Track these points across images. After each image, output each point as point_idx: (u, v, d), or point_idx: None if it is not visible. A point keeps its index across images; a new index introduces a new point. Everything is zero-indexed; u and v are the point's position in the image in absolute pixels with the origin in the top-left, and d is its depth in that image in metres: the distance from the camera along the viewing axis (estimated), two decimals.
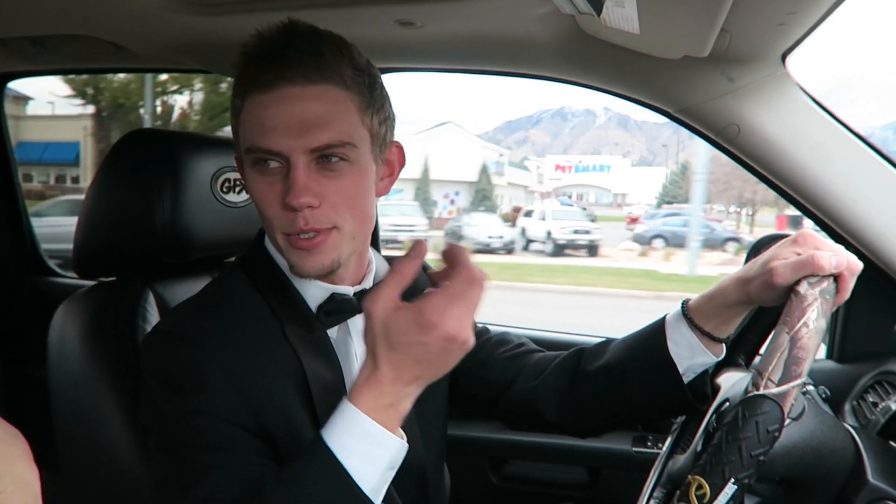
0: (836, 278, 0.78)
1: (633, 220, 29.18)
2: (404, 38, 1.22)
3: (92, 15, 1.25)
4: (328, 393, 0.85)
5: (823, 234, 1.26)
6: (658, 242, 20.13)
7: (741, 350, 1.04)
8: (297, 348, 0.85)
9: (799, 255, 0.79)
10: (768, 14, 0.91)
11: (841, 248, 0.80)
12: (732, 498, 0.65)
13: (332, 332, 0.91)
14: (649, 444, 1.60)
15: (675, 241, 19.49)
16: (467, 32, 1.21)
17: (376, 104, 0.86)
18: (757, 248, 1.28)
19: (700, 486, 0.66)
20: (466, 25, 1.17)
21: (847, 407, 1.26)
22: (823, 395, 1.01)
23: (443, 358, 0.72)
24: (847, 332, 1.41)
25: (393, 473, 0.77)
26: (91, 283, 1.18)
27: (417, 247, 0.74)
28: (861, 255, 1.19)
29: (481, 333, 1.13)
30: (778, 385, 0.68)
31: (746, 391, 0.69)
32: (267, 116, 0.79)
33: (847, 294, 0.79)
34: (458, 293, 0.70)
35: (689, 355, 0.92)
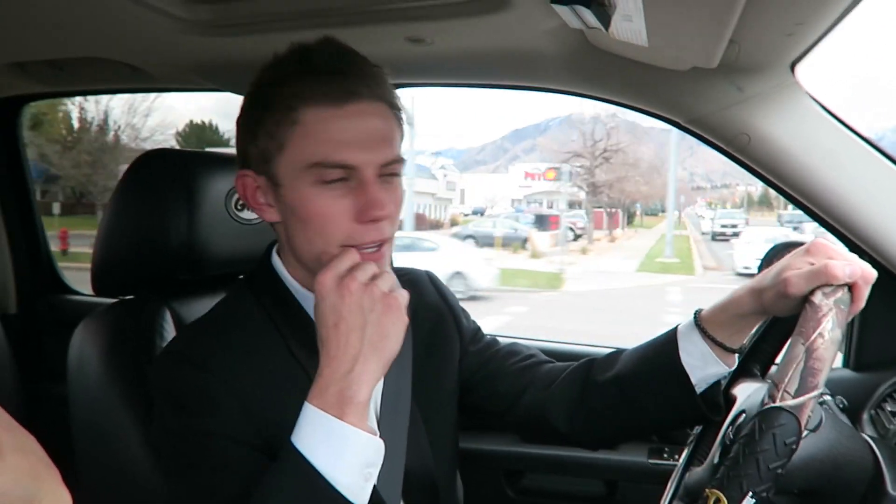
0: (851, 288, 0.77)
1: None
2: (414, 54, 1.23)
3: (109, 38, 1.27)
4: None
5: (837, 242, 1.26)
6: (469, 242, 21.88)
7: (756, 360, 1.03)
8: (305, 366, 0.86)
9: (812, 264, 0.79)
10: (777, 24, 0.91)
11: (855, 257, 0.79)
12: None
13: None
14: (665, 455, 1.59)
15: (485, 241, 22.98)
16: (476, 48, 1.22)
17: (401, 123, 0.89)
18: (770, 257, 1.28)
19: (718, 500, 0.66)
20: (475, 41, 1.18)
21: (865, 416, 1.24)
22: (841, 406, 1.00)
23: (356, 313, 0.76)
24: (863, 341, 1.39)
25: (374, 473, 0.76)
26: (108, 300, 1.19)
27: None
28: (875, 263, 1.19)
29: (491, 344, 1.13)
30: (794, 397, 0.67)
31: (763, 403, 0.69)
32: (339, 130, 0.81)
33: (862, 303, 0.78)
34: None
35: (702, 365, 0.92)
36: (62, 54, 1.40)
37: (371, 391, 0.77)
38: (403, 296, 0.80)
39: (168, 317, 1.12)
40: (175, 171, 1.13)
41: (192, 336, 0.90)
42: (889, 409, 1.18)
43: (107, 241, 1.14)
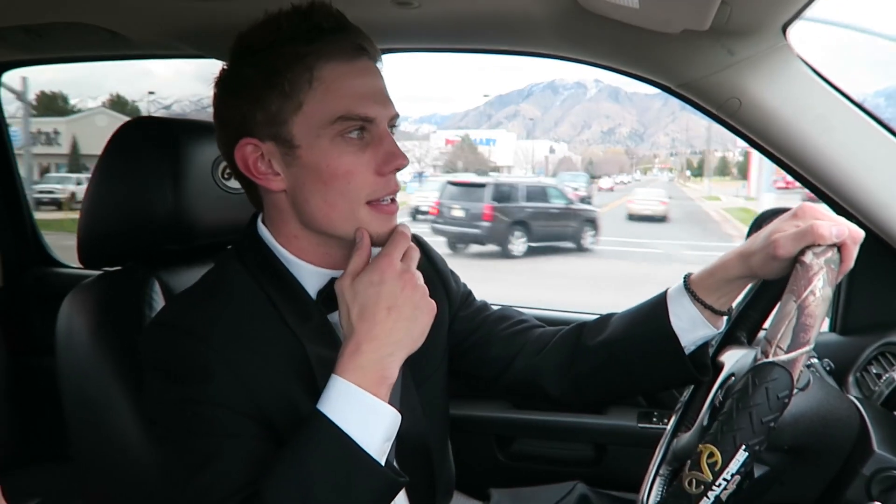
0: (840, 248, 0.78)
1: None
2: (401, 18, 1.21)
3: (87, 2, 1.24)
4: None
5: (826, 206, 1.26)
6: None
7: (743, 327, 1.04)
8: (298, 334, 0.86)
9: (799, 226, 0.80)
10: None
11: (841, 218, 0.80)
12: (744, 465, 0.66)
13: (333, 317, 0.91)
14: (654, 420, 1.62)
15: None
16: (464, 11, 1.20)
17: None
18: (758, 223, 1.28)
19: (711, 454, 0.67)
20: (463, 4, 1.16)
21: (851, 379, 1.26)
22: (828, 368, 1.02)
23: (408, 303, 0.80)
24: (850, 305, 1.41)
25: (389, 446, 0.79)
26: (94, 272, 1.18)
27: (359, 233, 0.85)
28: (863, 227, 1.20)
29: (482, 309, 1.14)
30: (787, 352, 0.68)
31: (756, 359, 0.70)
32: (356, 85, 0.83)
33: (851, 263, 0.79)
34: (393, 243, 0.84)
35: (691, 328, 0.94)
36: (39, 20, 1.36)
37: (396, 373, 0.81)
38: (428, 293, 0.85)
39: (157, 287, 1.11)
40: (160, 138, 1.11)
41: (182, 305, 0.89)
42: (874, 371, 1.20)
43: (92, 211, 1.12)
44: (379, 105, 0.85)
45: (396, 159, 0.84)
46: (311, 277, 0.90)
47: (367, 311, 0.80)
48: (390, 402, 0.80)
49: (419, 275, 0.84)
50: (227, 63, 0.87)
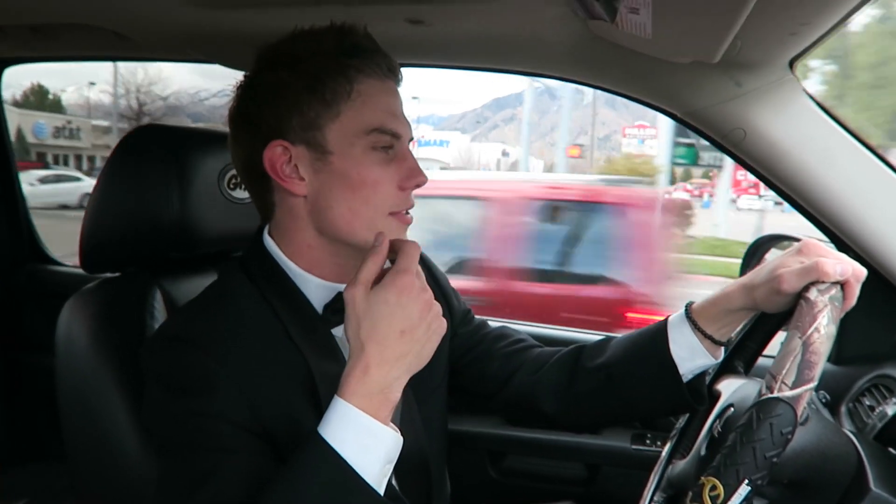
0: (843, 285, 0.79)
1: None
2: (413, 35, 1.22)
3: (94, 4, 1.23)
4: (335, 390, 0.86)
5: (826, 239, 1.27)
6: None
7: (740, 357, 1.04)
8: (302, 348, 0.86)
9: (803, 263, 0.81)
10: (782, 24, 0.91)
11: (844, 256, 0.82)
12: (745, 498, 0.66)
13: (338, 331, 0.91)
14: (648, 442, 1.62)
15: None
16: (476, 32, 1.20)
17: None
18: (754, 249, 1.30)
19: (714, 487, 0.67)
20: (475, 25, 1.17)
21: (843, 409, 1.27)
22: (823, 400, 1.03)
23: (423, 325, 0.78)
24: (844, 336, 1.42)
25: (390, 468, 0.78)
26: (88, 272, 1.17)
27: (380, 237, 0.81)
28: (860, 261, 1.21)
29: (480, 327, 1.15)
30: (791, 388, 0.69)
31: (760, 394, 0.70)
32: (391, 103, 0.88)
33: (853, 300, 0.81)
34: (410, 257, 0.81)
35: (690, 357, 0.94)
36: (45, 20, 1.36)
37: (399, 395, 0.79)
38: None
39: (158, 295, 1.11)
40: (168, 147, 1.10)
41: (186, 317, 0.89)
42: (867, 403, 1.21)
43: (96, 216, 1.11)
44: (404, 124, 0.89)
45: (418, 176, 0.88)
46: (316, 291, 0.90)
47: (379, 331, 0.76)
48: (392, 421, 0.79)
49: (430, 292, 0.82)
50: (258, 69, 0.89)
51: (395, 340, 0.76)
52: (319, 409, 0.84)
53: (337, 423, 0.75)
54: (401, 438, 0.78)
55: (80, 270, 2.05)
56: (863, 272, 0.81)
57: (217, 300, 0.89)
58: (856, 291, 0.80)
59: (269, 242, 0.92)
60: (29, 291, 2.05)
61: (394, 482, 0.91)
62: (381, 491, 0.75)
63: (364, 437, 0.74)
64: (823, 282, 0.78)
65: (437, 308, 0.81)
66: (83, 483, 1.09)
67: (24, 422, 1.97)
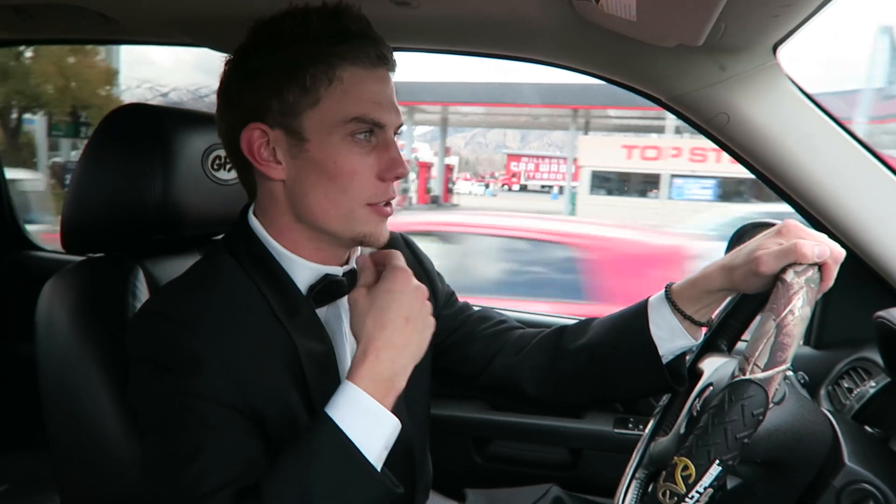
0: (820, 267, 0.79)
1: None
2: (399, 17, 1.21)
3: None
4: (321, 371, 0.87)
5: (806, 223, 1.29)
6: None
7: (724, 336, 1.06)
8: (288, 327, 0.86)
9: (782, 244, 0.81)
10: (764, 5, 0.92)
11: (824, 236, 0.82)
12: (716, 479, 0.67)
13: (322, 311, 0.92)
14: (630, 425, 1.64)
15: None
16: (463, 14, 1.20)
17: None
18: (739, 236, 1.31)
19: (686, 467, 0.68)
20: (462, 7, 1.16)
21: (823, 392, 1.29)
22: (802, 381, 1.04)
23: (423, 315, 0.85)
24: (825, 320, 1.44)
25: (386, 454, 0.80)
26: (74, 258, 1.16)
27: (361, 260, 0.91)
28: (841, 245, 1.22)
29: (463, 309, 1.15)
30: (764, 370, 0.69)
31: (733, 375, 0.71)
32: (375, 92, 0.86)
33: (830, 282, 0.81)
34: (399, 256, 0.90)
35: (670, 338, 0.95)
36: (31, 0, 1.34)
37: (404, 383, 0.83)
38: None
39: (141, 276, 1.10)
40: (150, 127, 1.09)
41: (171, 295, 0.88)
42: (846, 385, 1.23)
43: (78, 197, 1.10)
44: (389, 113, 0.87)
45: (398, 167, 0.87)
46: (301, 271, 0.90)
47: (387, 316, 0.81)
48: None
49: (424, 287, 0.87)
50: (244, 47, 0.87)
51: (402, 326, 0.82)
52: (306, 387, 0.85)
53: (346, 406, 0.77)
54: (399, 425, 0.80)
55: (63, 255, 2.05)
56: (841, 254, 0.81)
57: (202, 278, 0.89)
58: (833, 273, 0.80)
59: (254, 222, 0.91)
60: (12, 278, 2.03)
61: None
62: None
63: (370, 422, 0.77)
64: (801, 263, 0.78)
65: (429, 304, 0.86)
66: (64, 467, 1.08)
67: (6, 410, 1.95)
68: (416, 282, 0.85)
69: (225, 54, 0.91)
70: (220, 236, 1.25)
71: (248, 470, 0.76)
